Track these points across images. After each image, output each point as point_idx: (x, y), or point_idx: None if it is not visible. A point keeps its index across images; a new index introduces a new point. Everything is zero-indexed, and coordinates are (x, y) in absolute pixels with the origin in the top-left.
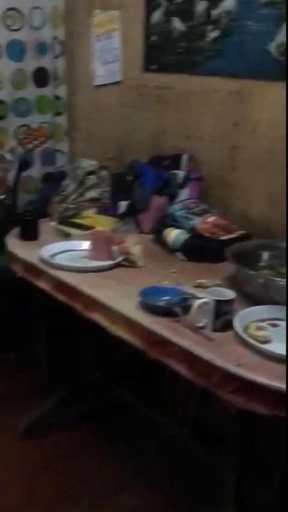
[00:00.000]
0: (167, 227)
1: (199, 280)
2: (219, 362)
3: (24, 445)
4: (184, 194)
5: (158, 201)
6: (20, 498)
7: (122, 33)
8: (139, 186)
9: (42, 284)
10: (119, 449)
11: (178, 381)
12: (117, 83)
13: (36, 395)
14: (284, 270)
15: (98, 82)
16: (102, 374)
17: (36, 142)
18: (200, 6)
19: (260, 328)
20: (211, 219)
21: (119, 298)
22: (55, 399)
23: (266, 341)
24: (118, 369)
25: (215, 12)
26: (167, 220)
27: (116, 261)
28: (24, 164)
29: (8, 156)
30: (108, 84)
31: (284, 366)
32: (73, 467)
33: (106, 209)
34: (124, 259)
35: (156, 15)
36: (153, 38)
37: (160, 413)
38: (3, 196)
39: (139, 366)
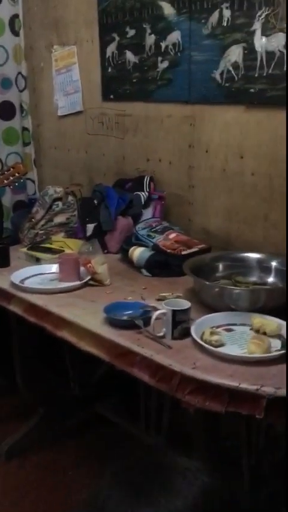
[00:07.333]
0: (132, 246)
1: (161, 294)
2: (177, 366)
3: (7, 466)
4: (147, 213)
5: (123, 221)
6: None
7: (80, 66)
8: (104, 209)
9: (14, 308)
10: (97, 461)
11: (151, 392)
12: (79, 112)
13: (17, 419)
14: (240, 279)
15: (61, 112)
16: (82, 390)
17: (11, 178)
18: (150, 40)
19: (213, 333)
20: (172, 235)
21: (86, 315)
22: (34, 420)
23: (220, 345)
24: (98, 386)
25: (163, 45)
26: (131, 240)
27: (84, 280)
28: None
29: None
30: (71, 114)
31: (236, 367)
32: (56, 481)
33: (75, 232)
34: (91, 279)
35: (111, 49)
36: (110, 70)
37: (137, 425)
38: None
39: (117, 382)
